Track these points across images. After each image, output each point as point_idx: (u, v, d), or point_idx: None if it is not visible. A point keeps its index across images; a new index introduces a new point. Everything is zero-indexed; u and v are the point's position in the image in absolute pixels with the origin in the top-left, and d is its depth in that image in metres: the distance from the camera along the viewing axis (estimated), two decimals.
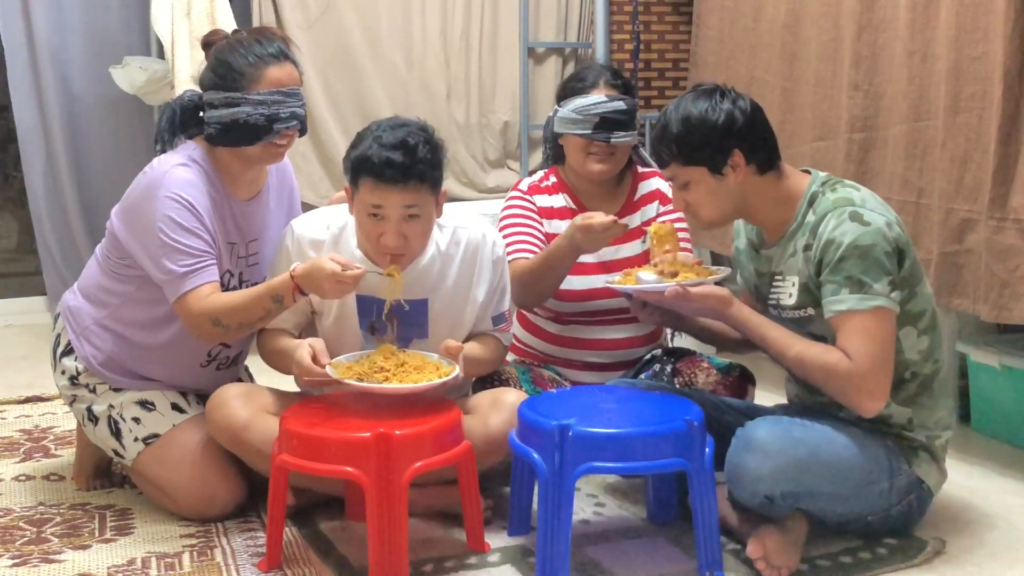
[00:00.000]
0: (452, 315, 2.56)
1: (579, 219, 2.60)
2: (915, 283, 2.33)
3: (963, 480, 2.82)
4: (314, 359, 2.31)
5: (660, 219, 2.90)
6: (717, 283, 2.36)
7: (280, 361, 2.50)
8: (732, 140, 2.30)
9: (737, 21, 4.01)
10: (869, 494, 2.32)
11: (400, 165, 2.31)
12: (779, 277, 2.41)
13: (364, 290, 2.46)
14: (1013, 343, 3.22)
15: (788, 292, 2.38)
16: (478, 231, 2.59)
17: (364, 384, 2.25)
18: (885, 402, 2.26)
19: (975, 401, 3.28)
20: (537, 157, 4.77)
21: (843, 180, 2.40)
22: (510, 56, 4.83)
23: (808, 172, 2.43)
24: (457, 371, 2.32)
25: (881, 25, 3.25)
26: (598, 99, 2.80)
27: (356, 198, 2.40)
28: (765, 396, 2.92)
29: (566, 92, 2.89)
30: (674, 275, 2.38)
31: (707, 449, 2.23)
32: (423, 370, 2.32)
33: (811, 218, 2.33)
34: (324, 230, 2.53)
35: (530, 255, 2.80)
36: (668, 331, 3.10)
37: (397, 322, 2.50)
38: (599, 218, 2.57)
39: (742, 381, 2.78)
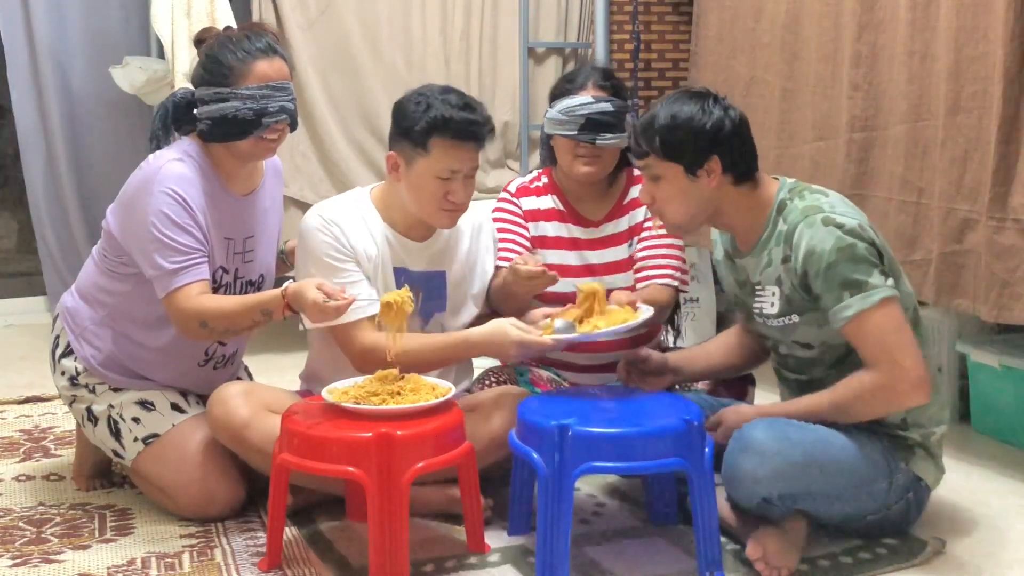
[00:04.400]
0: (464, 287, 2.69)
1: (515, 260, 2.60)
2: (895, 280, 2.33)
3: (963, 480, 2.82)
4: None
5: (646, 225, 2.88)
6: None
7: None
8: (714, 146, 2.31)
9: (737, 21, 4.01)
10: (868, 494, 2.32)
11: (479, 124, 2.48)
12: (759, 287, 2.42)
13: (398, 263, 2.59)
14: (1013, 343, 3.23)
15: (770, 302, 2.39)
16: (479, 212, 2.77)
17: (362, 407, 2.25)
18: (928, 383, 2.25)
19: (975, 401, 3.28)
20: (537, 157, 4.77)
21: (810, 186, 2.40)
22: (510, 56, 4.83)
23: (776, 179, 2.43)
24: (454, 391, 2.34)
25: (881, 25, 3.25)
26: (584, 100, 2.78)
27: (422, 163, 2.47)
28: (765, 396, 2.92)
29: (556, 93, 2.88)
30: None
31: (707, 449, 2.23)
32: (419, 391, 2.32)
33: (782, 227, 2.33)
34: (348, 207, 2.59)
35: None
36: (665, 332, 3.09)
37: (421, 295, 2.54)
38: (525, 266, 2.54)
39: (742, 381, 2.78)
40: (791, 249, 2.30)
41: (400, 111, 2.53)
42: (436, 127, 2.44)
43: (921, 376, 2.24)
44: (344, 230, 2.53)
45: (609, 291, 2.60)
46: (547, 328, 2.42)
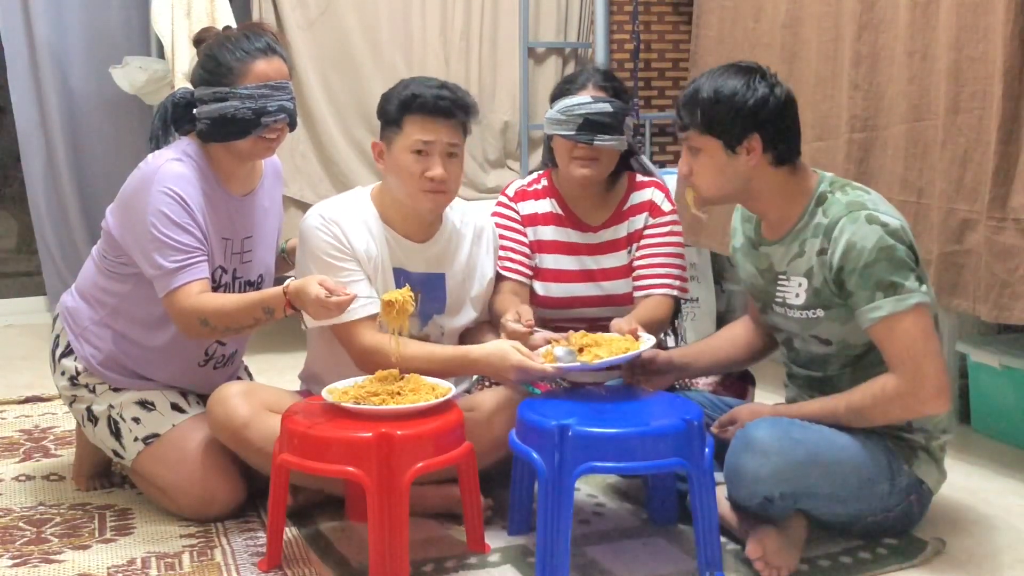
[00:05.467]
0: (463, 291, 2.70)
1: (507, 317, 2.54)
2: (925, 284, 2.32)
3: (963, 480, 2.82)
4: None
5: (646, 232, 2.86)
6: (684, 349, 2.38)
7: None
8: (756, 124, 2.28)
9: (737, 21, 4.01)
10: (869, 495, 2.32)
11: (450, 99, 2.52)
12: (783, 276, 2.41)
13: (397, 263, 2.60)
14: (1013, 343, 3.23)
15: (795, 292, 2.38)
16: (481, 216, 2.80)
17: (362, 407, 2.24)
18: (949, 394, 2.25)
19: (975, 401, 3.28)
20: (537, 157, 4.78)
21: (851, 182, 2.39)
22: (510, 56, 4.83)
23: (816, 172, 2.42)
24: (454, 391, 2.34)
25: (881, 25, 3.25)
26: (582, 100, 2.76)
27: (398, 141, 2.53)
28: (765, 396, 2.92)
29: (556, 93, 2.86)
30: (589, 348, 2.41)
31: (707, 449, 2.23)
32: (419, 391, 2.32)
33: (821, 219, 2.32)
34: (348, 206, 2.60)
35: (514, 274, 2.81)
36: (665, 335, 3.07)
37: (421, 296, 2.54)
38: (512, 325, 2.49)
39: (742, 381, 2.78)
40: (830, 242, 2.29)
41: (382, 98, 2.60)
42: (408, 104, 2.51)
43: (943, 385, 2.23)
44: (344, 229, 2.53)
45: (606, 321, 2.59)
46: (547, 355, 2.40)
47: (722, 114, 2.28)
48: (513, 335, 2.48)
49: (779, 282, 2.42)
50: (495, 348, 2.43)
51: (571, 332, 2.50)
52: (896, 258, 2.23)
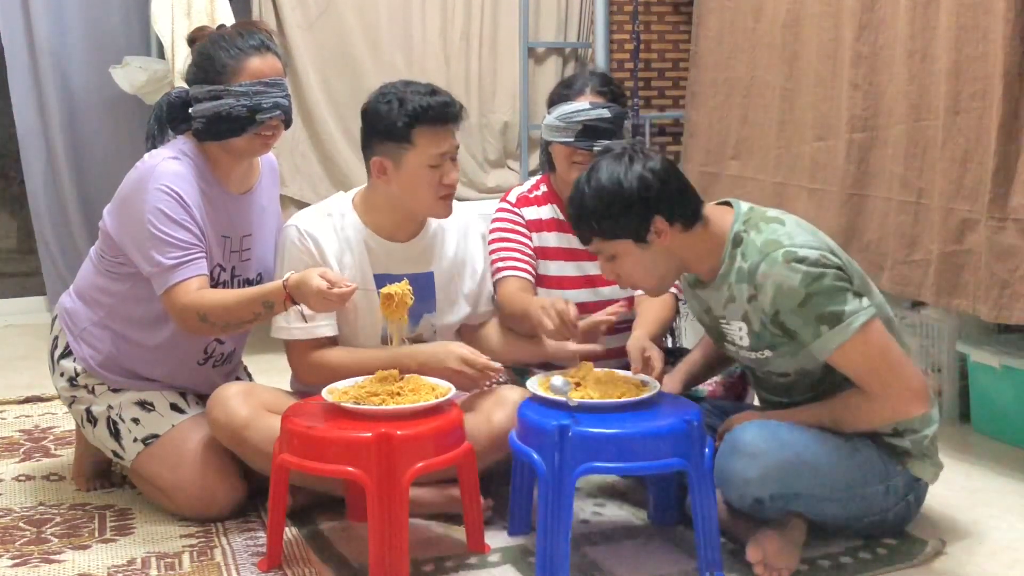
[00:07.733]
0: (453, 288, 2.70)
1: (562, 301, 2.54)
2: (865, 295, 2.27)
3: (963, 480, 2.82)
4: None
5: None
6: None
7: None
8: (651, 207, 2.21)
9: (737, 21, 4.01)
10: (864, 496, 2.31)
11: (453, 104, 2.53)
12: (723, 320, 2.37)
13: (380, 269, 2.59)
14: (1013, 343, 3.22)
15: (739, 336, 2.35)
16: (465, 212, 2.79)
17: (362, 407, 2.24)
18: (926, 392, 2.23)
19: (975, 401, 3.28)
20: (537, 157, 4.77)
21: (766, 213, 2.30)
22: (510, 56, 4.83)
23: (729, 204, 2.34)
24: (453, 391, 2.34)
25: (881, 25, 3.25)
26: (581, 106, 2.77)
27: (411, 157, 2.51)
28: None
29: (554, 99, 2.86)
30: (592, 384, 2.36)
31: (707, 449, 2.23)
32: (419, 391, 2.32)
33: (741, 264, 2.25)
34: (326, 218, 2.60)
35: (521, 272, 2.80)
36: (664, 337, 3.05)
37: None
38: (565, 312, 2.47)
39: (741, 382, 2.78)
40: (756, 288, 2.23)
41: (373, 114, 2.54)
42: (417, 118, 2.48)
43: (916, 388, 2.22)
44: (319, 241, 2.55)
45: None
46: (544, 382, 2.35)
47: (617, 213, 2.21)
48: (564, 315, 2.44)
49: (721, 325, 2.40)
50: (440, 344, 2.51)
51: (581, 364, 2.44)
52: (826, 287, 2.17)
